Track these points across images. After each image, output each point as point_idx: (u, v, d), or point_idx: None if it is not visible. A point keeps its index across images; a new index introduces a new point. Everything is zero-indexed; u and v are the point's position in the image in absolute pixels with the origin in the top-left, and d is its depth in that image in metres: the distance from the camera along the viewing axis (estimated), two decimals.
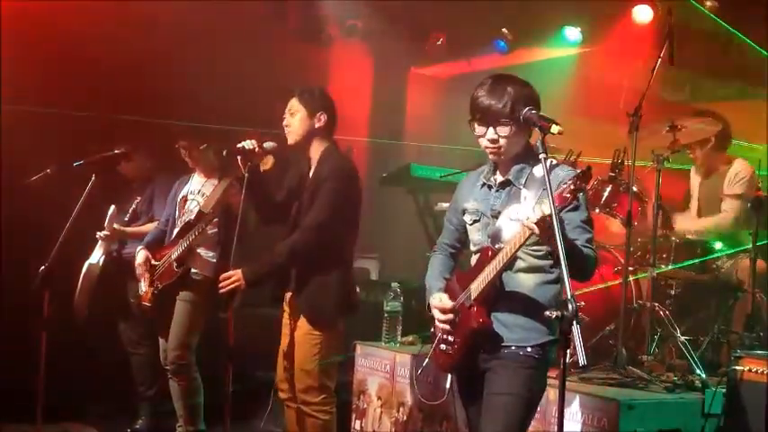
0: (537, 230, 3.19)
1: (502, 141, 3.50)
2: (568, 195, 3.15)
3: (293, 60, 7.47)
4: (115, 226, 6.11)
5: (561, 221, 3.17)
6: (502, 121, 3.46)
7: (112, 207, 6.13)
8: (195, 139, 5.64)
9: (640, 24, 7.46)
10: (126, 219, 6.19)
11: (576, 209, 3.33)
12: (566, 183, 3.17)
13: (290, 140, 4.69)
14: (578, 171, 3.21)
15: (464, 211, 3.71)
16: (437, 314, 3.61)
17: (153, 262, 5.56)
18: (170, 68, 6.90)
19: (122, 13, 6.84)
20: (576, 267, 3.25)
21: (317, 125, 4.69)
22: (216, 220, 5.42)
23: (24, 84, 6.49)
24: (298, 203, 4.70)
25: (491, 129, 3.49)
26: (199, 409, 5.61)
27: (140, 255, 5.60)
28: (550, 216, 3.10)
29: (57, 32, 6.75)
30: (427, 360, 3.79)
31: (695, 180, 6.24)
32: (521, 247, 3.34)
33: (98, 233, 6.10)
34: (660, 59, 5.39)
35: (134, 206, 6.22)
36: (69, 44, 6.76)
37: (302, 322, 4.61)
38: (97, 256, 6.14)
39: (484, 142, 3.53)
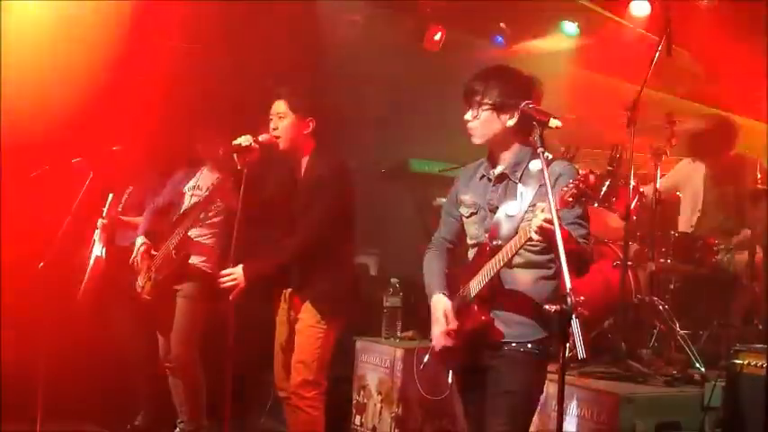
0: (537, 238, 3.21)
1: (474, 122, 3.57)
2: (570, 199, 3.16)
3: (290, 56, 7.46)
4: (113, 215, 5.98)
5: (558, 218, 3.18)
6: (475, 100, 3.55)
7: (111, 195, 5.97)
8: (216, 132, 5.62)
9: (637, 18, 7.46)
10: (120, 209, 6.13)
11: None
12: (568, 186, 3.17)
13: (282, 147, 4.66)
14: (580, 173, 3.22)
15: (461, 203, 3.72)
16: (441, 326, 3.60)
17: (153, 252, 5.53)
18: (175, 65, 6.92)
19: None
20: (571, 261, 3.26)
21: (305, 131, 4.67)
22: (215, 208, 5.41)
23: (26, 78, 6.48)
24: (291, 201, 4.69)
25: (470, 111, 3.59)
26: (201, 406, 5.59)
27: (141, 247, 5.56)
28: (550, 220, 3.12)
29: (65, 31, 6.75)
30: (428, 357, 3.80)
31: (697, 176, 6.23)
32: (520, 248, 3.35)
33: (99, 220, 5.95)
34: (657, 53, 5.40)
35: (126, 196, 6.15)
36: (73, 42, 6.77)
37: (307, 315, 4.61)
38: (99, 247, 6.00)
39: (468, 123, 3.61)
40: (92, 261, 6.01)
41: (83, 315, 6.01)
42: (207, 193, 5.44)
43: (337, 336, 4.73)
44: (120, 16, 6.81)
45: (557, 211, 3.14)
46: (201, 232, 5.52)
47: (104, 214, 5.97)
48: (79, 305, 5.99)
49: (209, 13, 7.03)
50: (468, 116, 3.60)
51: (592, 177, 3.16)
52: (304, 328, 4.63)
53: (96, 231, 6.01)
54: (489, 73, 3.63)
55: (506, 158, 3.60)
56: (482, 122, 3.57)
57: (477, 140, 3.62)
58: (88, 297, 5.99)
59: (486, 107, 3.54)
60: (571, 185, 3.16)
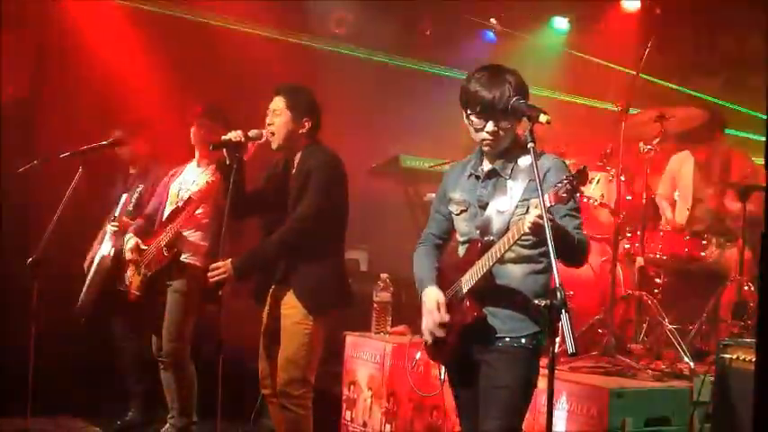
0: (531, 233, 3.20)
1: (502, 134, 3.51)
2: (564, 195, 3.15)
3: (283, 54, 7.47)
4: (124, 218, 5.91)
5: (549, 211, 3.18)
6: (496, 111, 3.45)
7: (124, 196, 5.92)
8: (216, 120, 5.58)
9: (628, 13, 7.48)
10: (131, 208, 6.08)
11: None
12: (562, 182, 3.16)
13: (274, 145, 4.64)
14: (570, 169, 3.23)
15: (450, 201, 3.71)
16: (433, 318, 3.58)
17: (142, 247, 5.50)
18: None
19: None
20: (568, 252, 3.26)
21: (300, 130, 4.65)
22: (203, 206, 5.39)
23: (17, 71, 6.47)
24: (283, 198, 4.66)
25: (491, 122, 3.49)
26: (192, 401, 5.56)
27: (131, 242, 5.54)
28: (541, 216, 3.11)
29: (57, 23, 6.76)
30: (420, 353, 3.80)
31: (686, 170, 6.24)
32: (513, 244, 3.35)
33: (109, 224, 5.89)
34: (648, 48, 5.42)
35: (138, 194, 6.10)
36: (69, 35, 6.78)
37: (293, 311, 4.56)
38: (108, 247, 5.93)
39: (482, 135, 3.52)
40: (97, 260, 5.95)
41: (85, 314, 5.95)
42: (196, 188, 5.42)
43: (326, 332, 4.70)
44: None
45: (551, 206, 3.14)
46: (191, 228, 5.50)
47: (117, 216, 5.89)
48: (82, 304, 5.94)
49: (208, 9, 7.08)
50: (490, 127, 3.48)
51: (586, 172, 3.15)
52: (290, 325, 4.57)
53: (107, 234, 5.95)
54: (502, 77, 3.48)
55: (497, 156, 3.58)
56: (502, 131, 3.49)
57: (494, 149, 3.55)
58: (91, 295, 5.94)
59: (507, 116, 3.46)
60: (565, 181, 3.15)
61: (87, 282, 5.97)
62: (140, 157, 6.27)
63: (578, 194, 3.27)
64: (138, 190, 6.02)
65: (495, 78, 3.48)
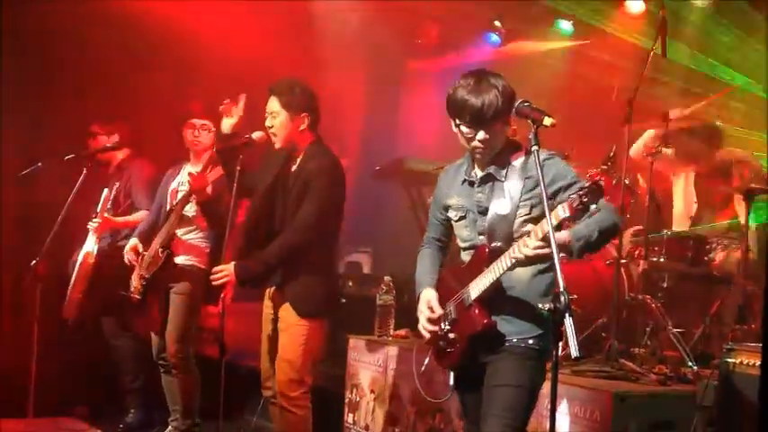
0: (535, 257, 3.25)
1: (492, 140, 3.48)
2: (579, 207, 3.09)
3: (284, 54, 7.46)
4: (105, 215, 6.00)
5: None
6: (485, 119, 3.42)
7: (105, 191, 5.99)
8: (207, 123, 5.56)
9: (632, 17, 7.48)
10: (109, 206, 6.11)
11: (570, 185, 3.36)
12: (577, 194, 3.10)
13: (277, 146, 4.63)
14: (565, 161, 3.21)
15: (447, 207, 3.69)
16: (424, 316, 3.61)
17: (142, 251, 5.50)
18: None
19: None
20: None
21: (301, 127, 4.63)
22: (198, 205, 5.39)
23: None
24: (282, 199, 4.66)
25: (482, 131, 3.46)
26: (195, 403, 5.55)
27: (130, 242, 5.54)
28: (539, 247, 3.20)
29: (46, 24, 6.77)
30: (428, 359, 3.77)
31: (688, 173, 6.23)
32: (518, 263, 3.33)
33: (89, 223, 5.96)
34: (652, 51, 5.41)
35: (114, 192, 6.13)
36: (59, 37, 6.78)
37: (288, 314, 4.56)
38: (91, 244, 5.98)
39: (473, 143, 3.49)
40: (80, 257, 5.99)
41: (73, 311, 5.96)
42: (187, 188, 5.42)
43: (324, 334, 4.68)
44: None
45: (567, 216, 3.11)
46: (191, 230, 5.50)
47: (98, 212, 5.95)
48: (69, 301, 5.96)
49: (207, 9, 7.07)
50: (480, 136, 3.45)
51: (600, 189, 3.08)
52: (287, 327, 4.58)
53: (89, 231, 6.00)
54: (488, 83, 3.43)
55: (490, 160, 3.55)
56: (493, 137, 3.48)
57: (486, 156, 3.52)
58: (77, 292, 5.96)
59: (497, 122, 3.44)
60: (577, 195, 3.09)
61: (72, 280, 5.98)
62: (119, 158, 6.30)
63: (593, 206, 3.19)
64: (115, 187, 6.06)
65: (482, 84, 3.43)
